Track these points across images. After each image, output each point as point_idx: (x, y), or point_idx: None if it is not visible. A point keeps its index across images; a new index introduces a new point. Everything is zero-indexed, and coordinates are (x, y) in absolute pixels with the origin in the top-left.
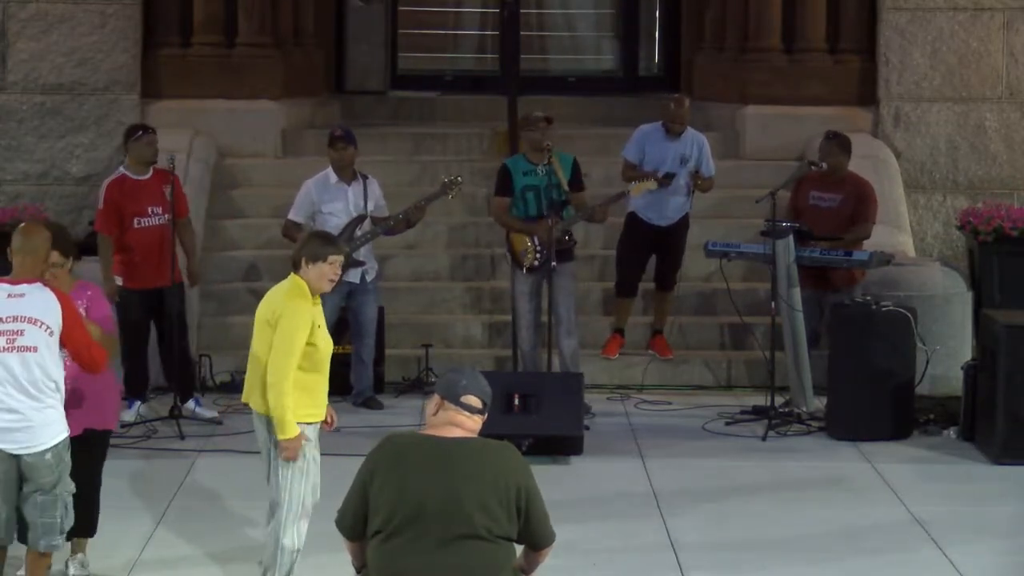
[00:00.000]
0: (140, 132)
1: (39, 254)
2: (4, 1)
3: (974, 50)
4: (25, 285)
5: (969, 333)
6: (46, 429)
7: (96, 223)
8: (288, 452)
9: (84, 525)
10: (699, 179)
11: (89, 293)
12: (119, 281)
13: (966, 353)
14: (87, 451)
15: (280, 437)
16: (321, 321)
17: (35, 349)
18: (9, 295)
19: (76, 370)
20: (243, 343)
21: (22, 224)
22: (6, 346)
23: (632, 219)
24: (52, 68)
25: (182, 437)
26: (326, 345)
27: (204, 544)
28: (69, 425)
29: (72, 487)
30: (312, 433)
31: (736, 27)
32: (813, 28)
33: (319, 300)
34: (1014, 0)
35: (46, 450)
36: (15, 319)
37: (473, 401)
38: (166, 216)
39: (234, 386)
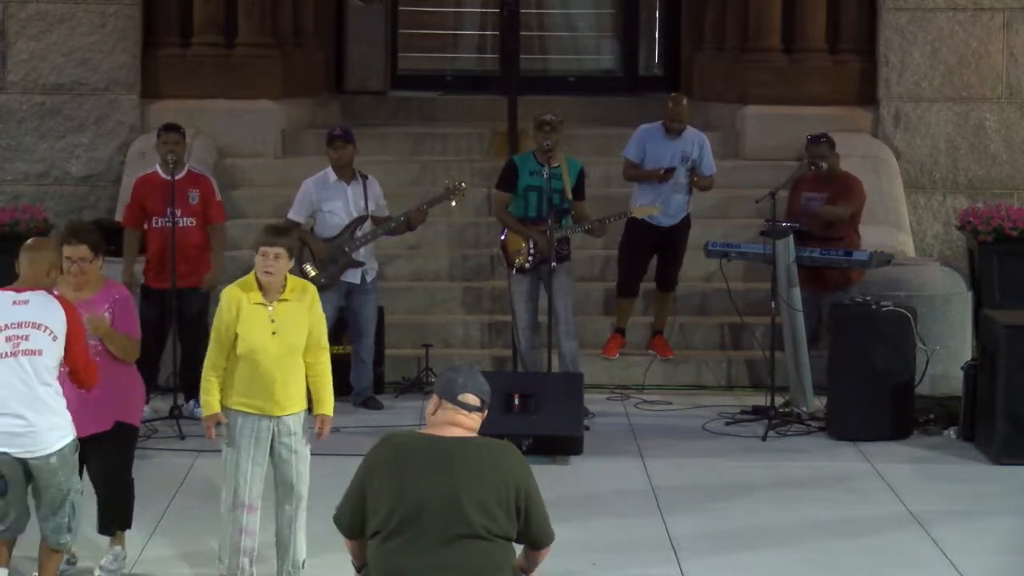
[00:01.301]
0: (160, 131)
1: (41, 266)
2: (4, 1)
3: (974, 50)
4: (29, 293)
5: (969, 333)
6: (50, 434)
7: (123, 217)
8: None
9: (120, 518)
10: (696, 176)
11: (117, 297)
12: (140, 279)
13: (966, 353)
14: (117, 445)
15: None
16: (280, 317)
17: (40, 352)
18: (14, 302)
19: (105, 365)
20: None
21: (30, 239)
22: (11, 351)
23: (634, 220)
24: (52, 68)
25: (182, 437)
26: (264, 342)
27: (204, 543)
28: (100, 419)
29: (80, 486)
30: (238, 425)
31: (736, 27)
32: (813, 28)
33: (296, 296)
34: (1014, 0)
35: (50, 454)
36: (20, 324)
37: (471, 400)
38: (188, 220)
39: None
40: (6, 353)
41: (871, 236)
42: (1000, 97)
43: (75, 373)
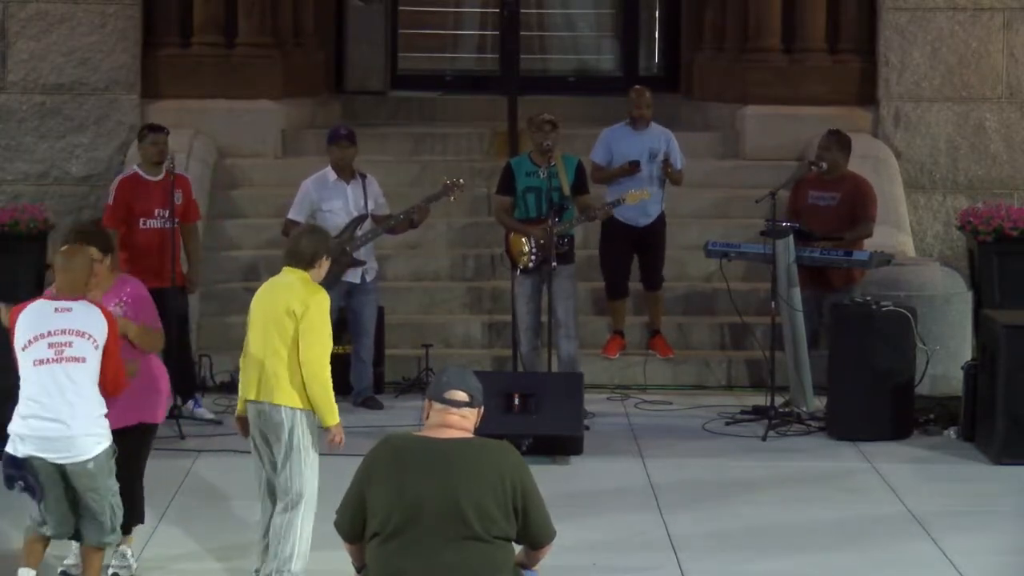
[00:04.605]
0: (146, 132)
1: (80, 275)
2: (4, 1)
3: (974, 50)
4: (71, 301)
5: (969, 333)
6: (87, 440)
7: (103, 218)
8: (338, 436)
9: (130, 516)
10: (669, 169)
11: (128, 288)
12: None
13: (966, 353)
14: (136, 443)
15: (331, 423)
16: None
17: (84, 360)
18: (56, 309)
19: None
20: (243, 343)
21: (65, 247)
22: (54, 357)
23: (609, 222)
24: (52, 68)
25: (182, 437)
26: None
27: (204, 543)
28: (124, 416)
29: (116, 487)
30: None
31: (736, 27)
32: (813, 28)
33: None
34: (1014, 0)
35: (87, 460)
36: (64, 332)
37: (458, 395)
38: (173, 220)
39: (234, 386)
40: (49, 359)
41: (872, 235)
42: (1000, 97)
43: (106, 382)
